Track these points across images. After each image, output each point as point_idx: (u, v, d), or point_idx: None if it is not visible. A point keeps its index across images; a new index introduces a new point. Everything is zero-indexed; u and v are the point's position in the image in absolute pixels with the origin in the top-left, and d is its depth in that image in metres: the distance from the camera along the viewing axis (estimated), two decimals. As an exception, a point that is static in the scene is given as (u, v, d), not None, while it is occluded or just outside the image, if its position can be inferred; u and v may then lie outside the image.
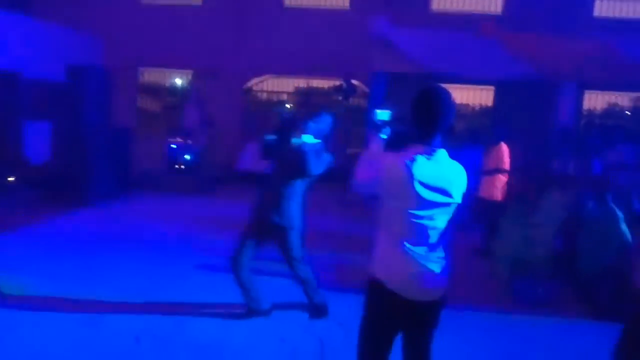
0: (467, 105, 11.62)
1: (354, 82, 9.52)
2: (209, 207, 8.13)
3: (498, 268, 5.43)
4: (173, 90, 13.85)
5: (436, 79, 10.27)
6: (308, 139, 3.67)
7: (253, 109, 12.57)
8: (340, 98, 9.17)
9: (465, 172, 2.15)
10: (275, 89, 12.87)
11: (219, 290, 4.40)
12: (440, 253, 2.13)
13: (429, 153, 2.04)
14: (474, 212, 6.46)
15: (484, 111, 11.55)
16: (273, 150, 4.01)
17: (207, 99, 11.06)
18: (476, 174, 6.48)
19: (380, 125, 2.34)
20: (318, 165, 3.64)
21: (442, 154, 2.08)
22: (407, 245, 2.04)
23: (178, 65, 12.62)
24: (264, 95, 12.88)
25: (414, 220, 2.03)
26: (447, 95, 2.04)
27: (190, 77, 13.42)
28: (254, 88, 12.71)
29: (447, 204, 2.07)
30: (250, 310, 3.89)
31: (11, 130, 7.92)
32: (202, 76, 12.31)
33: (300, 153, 3.62)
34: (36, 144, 8.08)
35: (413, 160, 2.01)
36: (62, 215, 6.76)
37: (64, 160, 7.42)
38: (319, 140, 3.77)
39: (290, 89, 12.75)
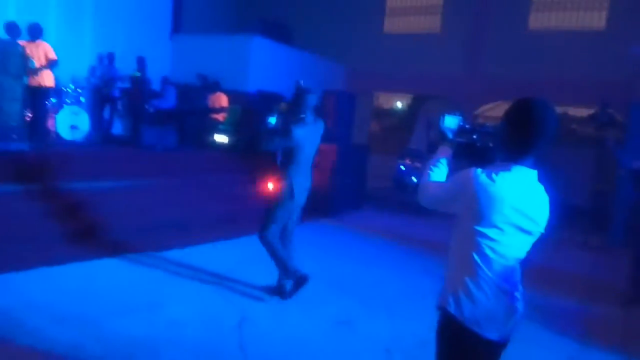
0: None
1: (610, 111, 8.51)
2: (435, 230, 8.14)
3: None
4: (395, 112, 14.38)
5: None
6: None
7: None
8: (592, 128, 8.27)
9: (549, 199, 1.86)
10: (495, 115, 12.37)
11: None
12: (518, 285, 1.89)
13: (520, 173, 1.79)
14: None
15: None
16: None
17: (434, 123, 11.22)
18: None
19: (447, 134, 2.13)
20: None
21: (532, 175, 1.82)
22: (492, 277, 1.81)
23: (408, 89, 13.09)
24: (482, 121, 12.47)
25: (500, 248, 1.79)
26: (553, 110, 1.79)
27: (411, 100, 13.76)
28: (479, 114, 12.40)
29: (534, 232, 1.84)
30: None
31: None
32: (432, 100, 12.53)
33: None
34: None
35: (503, 180, 1.76)
36: (307, 223, 7.60)
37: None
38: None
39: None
